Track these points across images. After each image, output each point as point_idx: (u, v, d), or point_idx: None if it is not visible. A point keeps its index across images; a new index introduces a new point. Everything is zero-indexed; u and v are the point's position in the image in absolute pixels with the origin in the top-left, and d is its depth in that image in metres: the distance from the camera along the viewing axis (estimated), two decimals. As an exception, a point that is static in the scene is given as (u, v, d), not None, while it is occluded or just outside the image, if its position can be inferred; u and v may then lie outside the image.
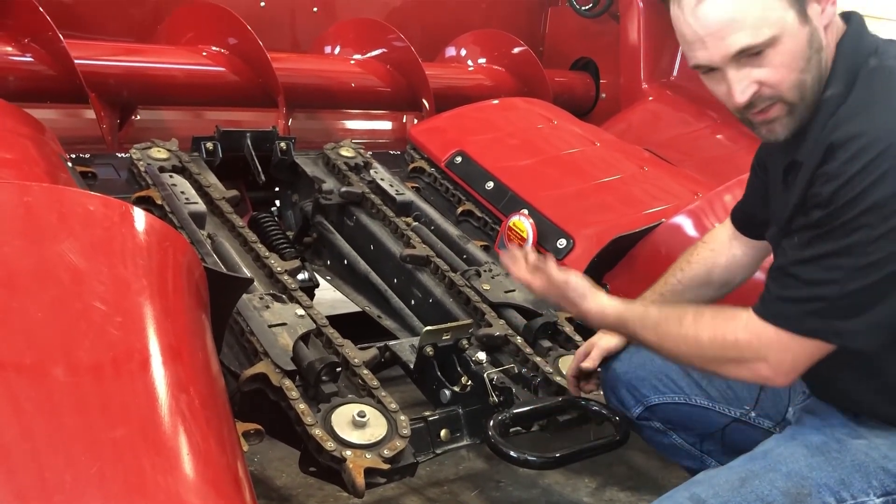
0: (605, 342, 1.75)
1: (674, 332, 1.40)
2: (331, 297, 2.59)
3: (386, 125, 3.44)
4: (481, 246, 2.44)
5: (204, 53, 2.84)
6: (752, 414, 1.62)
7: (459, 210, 2.63)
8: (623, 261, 2.18)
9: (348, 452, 1.52)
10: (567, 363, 1.89)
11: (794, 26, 1.25)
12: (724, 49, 1.26)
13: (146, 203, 2.12)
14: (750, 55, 1.26)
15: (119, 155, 2.43)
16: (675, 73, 3.55)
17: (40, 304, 1.05)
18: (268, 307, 1.79)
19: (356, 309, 2.41)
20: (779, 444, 1.37)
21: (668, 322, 1.42)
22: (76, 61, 2.41)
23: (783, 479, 1.28)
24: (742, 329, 1.32)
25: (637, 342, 1.55)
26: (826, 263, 1.23)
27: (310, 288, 2.30)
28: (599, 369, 1.77)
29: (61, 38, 2.40)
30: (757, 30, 1.24)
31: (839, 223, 1.21)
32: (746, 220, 1.68)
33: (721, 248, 1.72)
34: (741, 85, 1.28)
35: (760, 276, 1.76)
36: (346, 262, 2.45)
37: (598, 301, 1.54)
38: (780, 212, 1.44)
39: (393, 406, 1.65)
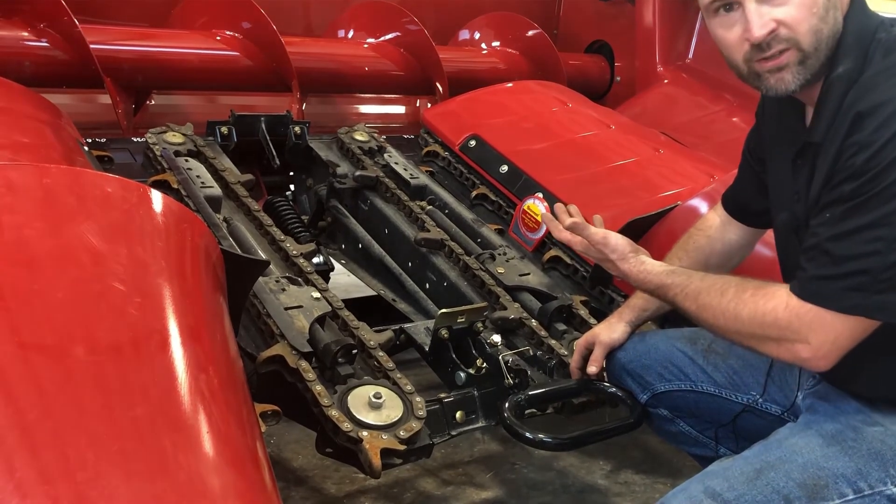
0: (605, 337, 1.74)
1: (714, 303, 1.37)
2: (346, 281, 2.60)
3: (400, 109, 3.43)
4: (496, 229, 2.43)
5: (218, 38, 2.85)
6: (760, 400, 1.60)
7: (474, 194, 2.62)
8: (638, 244, 2.17)
9: (365, 433, 1.53)
10: (582, 346, 1.89)
11: None
12: None
13: (162, 187, 2.13)
14: None
15: (134, 139, 2.45)
16: (690, 55, 3.52)
17: (61, 285, 1.06)
18: (284, 290, 1.80)
19: (371, 293, 2.42)
20: (793, 433, 1.35)
21: (710, 293, 1.38)
22: (91, 46, 2.42)
23: (799, 471, 1.27)
24: (782, 309, 1.28)
25: (675, 308, 1.51)
26: (864, 236, 1.19)
27: (325, 271, 2.30)
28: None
29: (76, 23, 2.41)
30: None
31: (874, 192, 1.18)
32: (739, 208, 1.69)
33: (716, 234, 1.72)
34: (760, 20, 1.26)
35: (764, 250, 1.77)
36: (360, 245, 2.46)
37: (639, 264, 1.53)
38: (788, 198, 1.42)
39: (408, 388, 1.66)
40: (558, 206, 1.74)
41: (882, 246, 1.18)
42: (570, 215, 1.70)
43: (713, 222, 1.74)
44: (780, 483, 1.25)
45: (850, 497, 1.25)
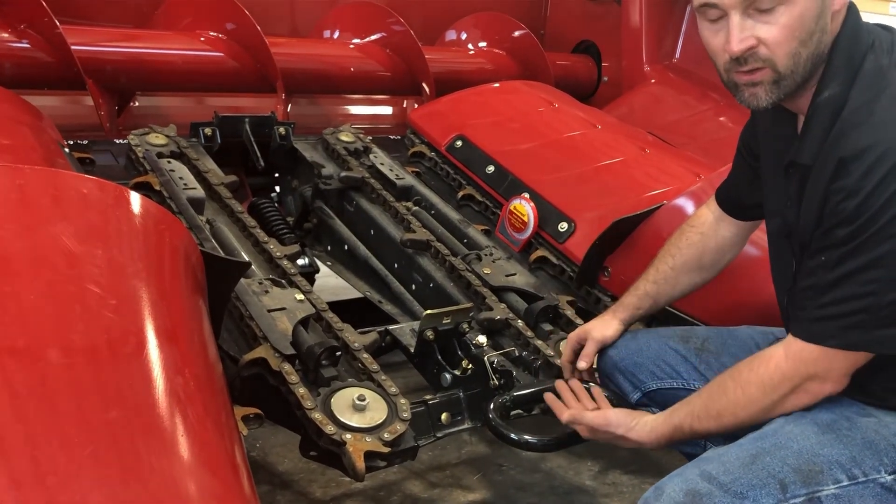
0: (597, 333, 1.73)
1: (724, 403, 1.38)
2: (333, 283, 2.58)
3: (386, 110, 3.41)
4: (482, 230, 2.43)
5: (202, 39, 2.82)
6: None
7: (460, 194, 2.61)
8: (625, 244, 2.16)
9: (348, 436, 1.52)
10: (568, 347, 1.88)
11: None
12: None
13: (144, 189, 2.11)
14: (760, 10, 1.25)
15: (117, 141, 2.43)
16: (677, 55, 3.52)
17: (34, 287, 1.04)
18: (267, 292, 1.78)
19: (359, 295, 2.40)
20: (788, 422, 1.36)
21: (715, 399, 1.40)
22: (73, 47, 2.39)
23: (794, 457, 1.28)
24: (783, 361, 1.33)
25: (701, 437, 1.50)
26: (861, 278, 1.24)
27: (310, 273, 2.29)
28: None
29: (57, 24, 2.38)
30: None
31: (866, 237, 1.22)
32: (733, 203, 1.68)
33: (709, 230, 1.72)
34: (742, 34, 1.27)
35: (751, 249, 1.78)
36: (346, 247, 2.44)
37: (645, 427, 1.48)
38: (780, 203, 1.43)
39: (393, 390, 1.65)
40: (559, 384, 1.68)
41: (878, 287, 1.24)
42: (573, 390, 1.65)
43: (706, 219, 1.73)
44: (776, 468, 1.27)
45: (845, 483, 1.27)
